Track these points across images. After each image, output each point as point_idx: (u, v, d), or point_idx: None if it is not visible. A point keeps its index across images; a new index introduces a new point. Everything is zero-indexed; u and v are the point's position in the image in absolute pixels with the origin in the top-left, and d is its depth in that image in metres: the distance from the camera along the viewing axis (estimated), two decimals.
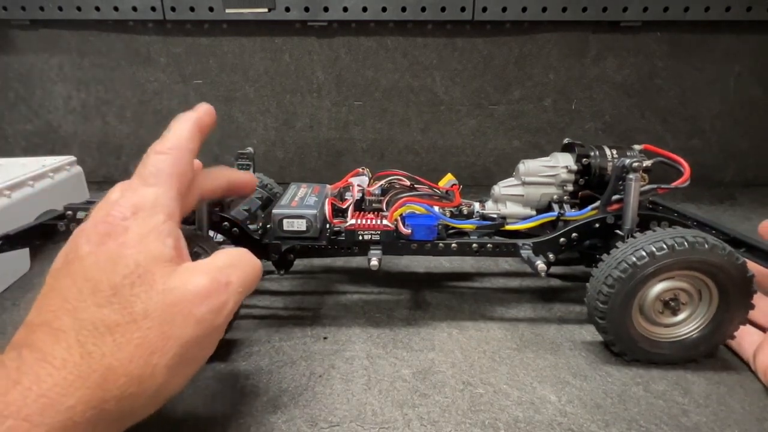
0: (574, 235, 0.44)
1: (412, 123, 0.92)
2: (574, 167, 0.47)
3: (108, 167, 0.96)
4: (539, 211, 0.48)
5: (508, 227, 0.47)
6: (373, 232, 0.43)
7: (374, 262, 0.41)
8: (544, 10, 0.81)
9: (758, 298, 0.38)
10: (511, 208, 0.47)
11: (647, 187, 0.44)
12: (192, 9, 0.82)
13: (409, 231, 0.42)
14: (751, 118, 0.90)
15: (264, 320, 0.47)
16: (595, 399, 0.36)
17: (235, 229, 0.44)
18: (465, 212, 0.48)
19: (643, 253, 0.36)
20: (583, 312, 0.48)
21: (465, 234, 0.46)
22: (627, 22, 0.83)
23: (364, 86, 0.90)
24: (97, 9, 0.83)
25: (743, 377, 0.39)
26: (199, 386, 0.37)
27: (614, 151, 0.47)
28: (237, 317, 0.44)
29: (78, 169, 0.70)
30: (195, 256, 0.28)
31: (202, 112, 0.31)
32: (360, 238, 0.43)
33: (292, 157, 0.95)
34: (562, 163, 0.47)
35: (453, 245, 0.44)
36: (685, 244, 0.36)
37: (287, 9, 0.82)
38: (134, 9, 0.83)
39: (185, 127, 0.30)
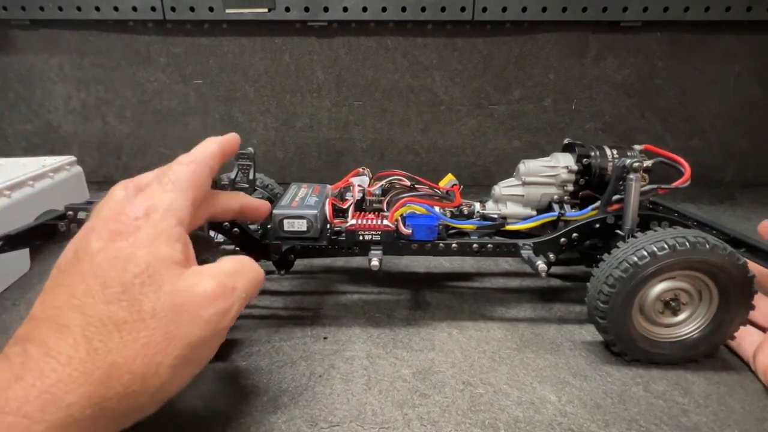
0: (574, 235, 0.44)
1: (412, 123, 0.92)
2: (575, 167, 0.47)
3: (108, 167, 0.96)
4: (540, 212, 0.48)
5: (509, 227, 0.47)
6: (373, 233, 0.43)
7: (375, 262, 0.41)
8: (544, 10, 0.81)
9: (758, 299, 0.38)
10: (512, 209, 0.47)
11: (648, 187, 0.44)
12: (192, 9, 0.82)
13: (410, 231, 0.42)
14: (751, 118, 0.90)
15: (264, 320, 0.47)
16: (595, 399, 0.36)
17: (235, 229, 0.44)
18: (465, 212, 0.48)
19: (645, 253, 0.36)
20: (583, 312, 0.48)
21: (465, 234, 0.46)
22: (627, 22, 0.83)
23: (364, 86, 0.90)
24: (97, 9, 0.83)
25: (743, 377, 0.39)
26: (199, 386, 0.37)
27: (615, 151, 0.47)
28: (238, 317, 0.44)
29: (78, 169, 0.70)
30: (201, 262, 0.29)
31: (229, 138, 0.34)
32: (360, 238, 0.43)
33: (292, 157, 0.95)
34: (563, 163, 0.47)
35: (453, 245, 0.44)
36: (687, 244, 0.36)
37: (287, 9, 0.82)
38: (134, 9, 0.83)
39: (210, 147, 0.32)
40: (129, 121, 0.93)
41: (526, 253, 0.43)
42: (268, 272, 0.53)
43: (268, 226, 0.43)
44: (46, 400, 0.21)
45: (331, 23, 0.84)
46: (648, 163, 0.43)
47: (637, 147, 0.47)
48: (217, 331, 0.27)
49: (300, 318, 0.47)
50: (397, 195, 0.47)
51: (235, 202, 0.36)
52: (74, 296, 0.24)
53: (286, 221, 0.40)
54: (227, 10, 0.82)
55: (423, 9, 0.82)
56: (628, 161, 0.42)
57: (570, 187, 0.47)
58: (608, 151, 0.47)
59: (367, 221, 0.43)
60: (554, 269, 0.54)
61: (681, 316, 0.39)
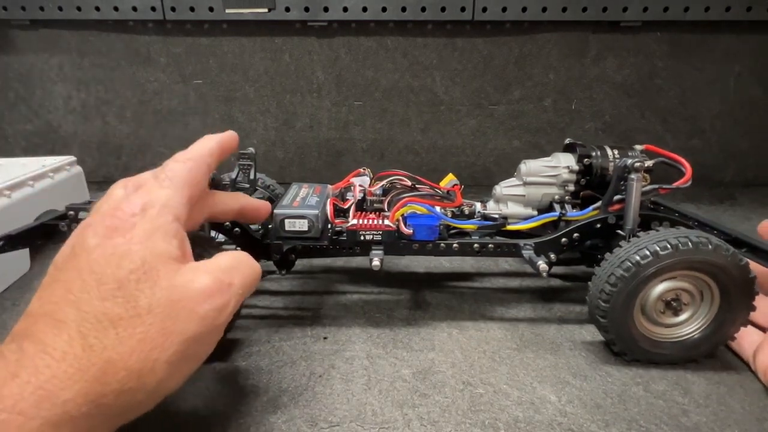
0: (575, 235, 0.44)
1: (412, 123, 0.92)
2: (576, 167, 0.47)
3: (108, 167, 0.96)
4: (541, 212, 0.48)
5: (510, 227, 0.47)
6: (374, 233, 0.43)
7: (376, 262, 0.41)
8: (544, 10, 0.81)
9: (758, 299, 0.38)
10: (513, 209, 0.47)
11: (649, 187, 0.44)
12: (192, 9, 0.82)
13: (411, 231, 0.42)
14: (751, 118, 0.91)
15: (264, 320, 0.47)
16: (595, 399, 0.36)
17: (236, 229, 0.44)
18: (466, 212, 0.48)
19: (647, 252, 0.36)
20: (583, 312, 0.48)
21: (466, 234, 0.46)
22: (627, 22, 0.83)
23: (364, 86, 0.90)
24: (97, 9, 0.83)
25: (743, 377, 0.39)
26: (199, 386, 0.37)
27: (616, 152, 0.47)
28: (238, 317, 0.44)
29: (78, 169, 0.70)
30: (198, 258, 0.29)
31: (227, 135, 0.34)
32: (362, 238, 0.43)
33: (292, 157, 0.95)
34: (564, 163, 0.47)
35: (454, 245, 0.44)
36: (689, 244, 0.36)
37: (287, 9, 0.82)
38: (134, 9, 0.83)
39: (208, 145, 0.32)
40: (129, 121, 0.93)
41: (528, 253, 0.43)
42: (268, 272, 0.54)
43: (269, 225, 0.43)
44: (40, 397, 0.21)
45: (331, 23, 0.84)
46: (649, 163, 0.43)
47: (638, 147, 0.47)
48: (213, 327, 0.27)
49: (300, 318, 0.47)
50: (398, 195, 0.47)
51: (234, 202, 0.36)
52: (71, 292, 0.24)
53: (287, 221, 0.40)
54: (227, 10, 0.82)
55: (423, 9, 0.82)
56: (629, 161, 0.42)
57: (571, 187, 0.47)
58: (609, 151, 0.47)
59: (368, 221, 0.43)
60: (554, 269, 0.54)
61: (682, 317, 0.39)
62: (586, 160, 0.47)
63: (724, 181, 0.95)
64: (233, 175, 0.46)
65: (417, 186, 0.49)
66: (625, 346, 0.39)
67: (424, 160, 0.94)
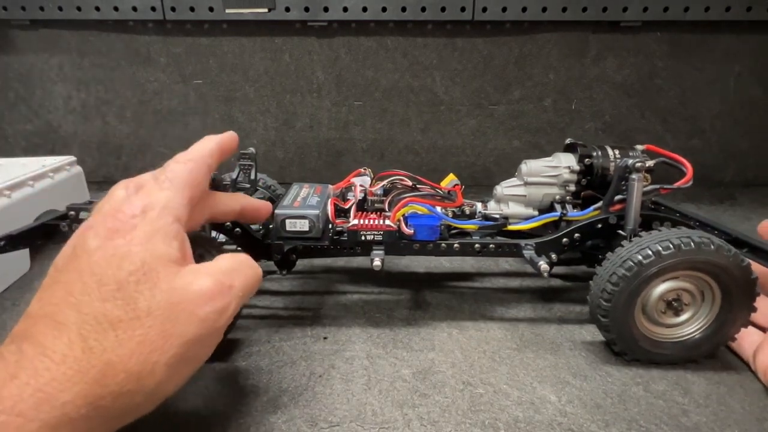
0: (576, 235, 0.44)
1: (412, 123, 0.92)
2: (577, 167, 0.47)
3: (108, 167, 0.95)
4: (541, 212, 0.48)
5: (511, 227, 0.47)
6: (375, 233, 0.43)
7: (377, 262, 0.41)
8: (544, 10, 0.81)
9: (759, 299, 0.38)
10: (514, 209, 0.47)
11: (650, 187, 0.44)
12: (192, 9, 0.82)
13: (412, 231, 0.42)
14: (751, 118, 0.91)
15: (264, 320, 0.47)
16: (595, 399, 0.36)
17: (237, 229, 0.44)
18: (467, 212, 0.48)
19: (649, 252, 0.36)
20: (583, 312, 0.48)
21: (467, 234, 0.46)
22: (627, 22, 0.83)
23: (364, 86, 0.90)
24: (97, 9, 0.83)
25: (743, 377, 0.39)
26: (199, 386, 0.37)
27: (617, 152, 0.47)
28: (239, 317, 0.44)
29: (78, 169, 0.70)
30: (199, 259, 0.29)
31: (227, 136, 0.34)
32: (362, 238, 0.43)
33: (292, 157, 0.95)
34: (565, 163, 0.47)
35: (455, 245, 0.44)
36: (692, 244, 0.36)
37: (287, 9, 0.82)
38: (134, 9, 0.83)
39: (208, 145, 0.32)
40: (129, 121, 0.93)
41: (529, 253, 0.43)
42: (268, 272, 0.54)
43: (270, 226, 0.43)
44: (40, 399, 0.21)
45: (331, 23, 0.84)
46: (650, 163, 0.43)
47: (639, 147, 0.47)
48: (213, 330, 0.27)
49: (300, 318, 0.47)
50: (399, 195, 0.47)
51: (235, 203, 0.36)
52: (71, 294, 0.24)
53: (288, 221, 0.40)
54: (227, 10, 0.82)
55: (423, 9, 0.82)
56: (630, 161, 0.42)
57: (572, 187, 0.47)
58: (610, 151, 0.47)
59: (369, 221, 0.43)
60: (555, 269, 0.54)
61: (683, 317, 0.39)
62: (587, 160, 0.47)
63: (724, 181, 0.95)
64: (234, 175, 0.46)
65: (418, 186, 0.49)
66: (625, 346, 0.39)
67: (424, 160, 0.94)
